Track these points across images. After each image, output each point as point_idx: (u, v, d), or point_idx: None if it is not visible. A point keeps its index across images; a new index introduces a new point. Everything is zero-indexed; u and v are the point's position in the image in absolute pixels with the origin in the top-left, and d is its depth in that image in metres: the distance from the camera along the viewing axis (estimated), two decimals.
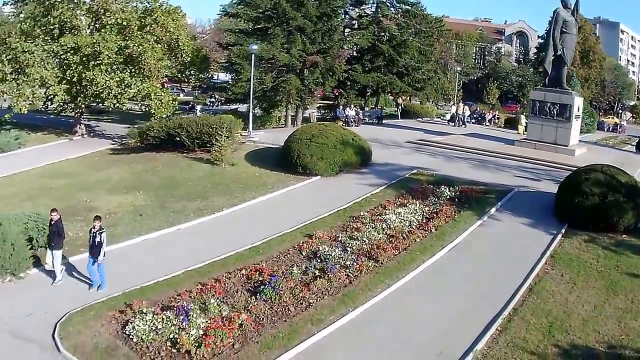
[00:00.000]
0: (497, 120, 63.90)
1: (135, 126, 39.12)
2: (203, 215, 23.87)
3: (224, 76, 73.82)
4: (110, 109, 44.53)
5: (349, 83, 59.43)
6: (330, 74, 53.47)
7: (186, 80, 48.96)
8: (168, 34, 42.62)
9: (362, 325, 15.10)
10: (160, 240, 21.38)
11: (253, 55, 43.27)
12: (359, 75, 58.65)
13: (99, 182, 29.32)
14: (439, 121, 60.66)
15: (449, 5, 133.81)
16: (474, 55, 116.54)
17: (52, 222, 17.89)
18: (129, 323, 14.81)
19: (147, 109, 41.22)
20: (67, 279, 18.11)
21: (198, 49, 53.47)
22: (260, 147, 37.24)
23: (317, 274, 17.50)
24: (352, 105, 56.04)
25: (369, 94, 65.75)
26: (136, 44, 39.44)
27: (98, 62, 38.14)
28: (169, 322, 14.63)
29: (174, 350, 13.74)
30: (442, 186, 26.11)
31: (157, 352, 13.85)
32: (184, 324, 14.45)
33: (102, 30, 39.54)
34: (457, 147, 37.92)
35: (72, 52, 38.56)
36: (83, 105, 42.99)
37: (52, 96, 40.62)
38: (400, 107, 66.84)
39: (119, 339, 14.39)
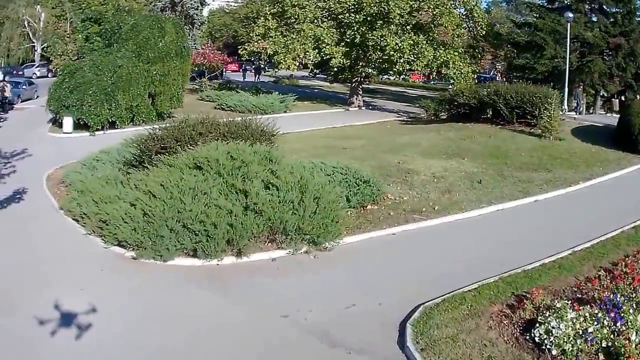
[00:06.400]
0: None
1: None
2: (557, 187, 19.26)
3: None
4: (395, 78, 40.21)
5: None
6: (632, 58, 45.54)
7: (479, 56, 43.17)
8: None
9: None
10: (517, 211, 17.16)
11: (569, 25, 37.72)
12: None
13: (405, 146, 25.00)
14: None
15: None
16: None
17: None
18: (538, 324, 9.15)
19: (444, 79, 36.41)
20: (403, 258, 13.23)
21: (491, 24, 47.57)
22: (584, 124, 32.23)
23: None
24: None
25: None
26: (431, 6, 34.34)
27: (387, 21, 33.55)
28: (596, 323, 9.11)
29: None
30: None
31: None
32: (618, 324, 9.03)
33: None
34: None
35: (353, 11, 34.50)
36: (363, 73, 38.77)
37: (328, 58, 36.51)
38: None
39: (523, 351, 8.87)
